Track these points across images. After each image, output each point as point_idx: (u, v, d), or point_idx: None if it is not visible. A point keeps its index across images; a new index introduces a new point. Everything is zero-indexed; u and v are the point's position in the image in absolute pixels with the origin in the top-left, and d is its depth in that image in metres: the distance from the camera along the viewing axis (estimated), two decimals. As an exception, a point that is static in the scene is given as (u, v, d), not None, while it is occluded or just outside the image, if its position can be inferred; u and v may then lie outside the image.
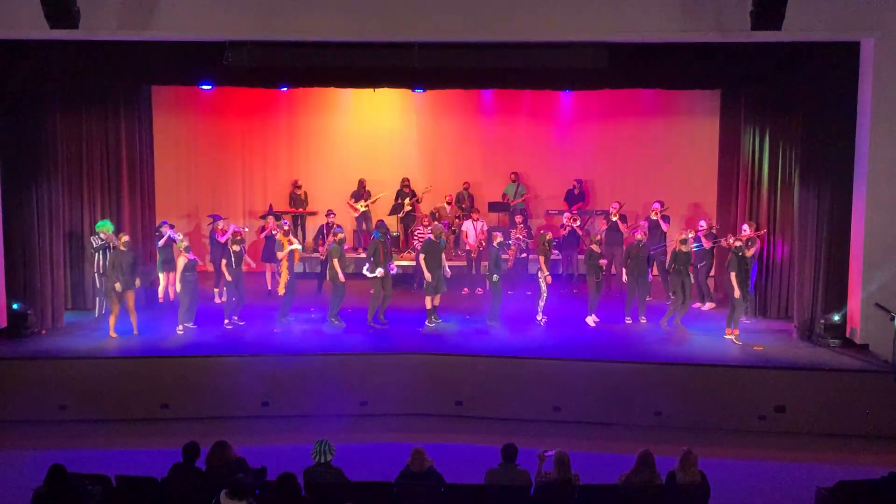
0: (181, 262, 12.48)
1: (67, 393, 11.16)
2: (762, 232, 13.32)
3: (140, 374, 11.41)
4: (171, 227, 13.75)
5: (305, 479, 7.56)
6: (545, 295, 12.91)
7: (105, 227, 13.10)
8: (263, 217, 15.18)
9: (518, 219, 15.23)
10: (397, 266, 13.54)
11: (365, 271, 12.88)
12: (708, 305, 14.15)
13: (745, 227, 13.14)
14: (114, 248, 12.51)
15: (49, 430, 10.78)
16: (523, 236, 14.61)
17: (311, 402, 11.19)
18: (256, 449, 9.08)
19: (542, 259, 12.94)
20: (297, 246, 13.15)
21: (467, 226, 15.33)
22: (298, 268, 13.61)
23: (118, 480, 7.68)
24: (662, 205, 14.54)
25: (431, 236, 13.10)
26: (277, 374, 11.37)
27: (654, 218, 14.40)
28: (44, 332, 12.54)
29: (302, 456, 7.91)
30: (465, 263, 15.38)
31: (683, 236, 12.95)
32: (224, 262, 12.81)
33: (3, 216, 12.40)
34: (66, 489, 6.98)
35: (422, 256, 12.95)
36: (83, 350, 11.81)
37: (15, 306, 12.33)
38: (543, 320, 12.96)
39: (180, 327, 12.54)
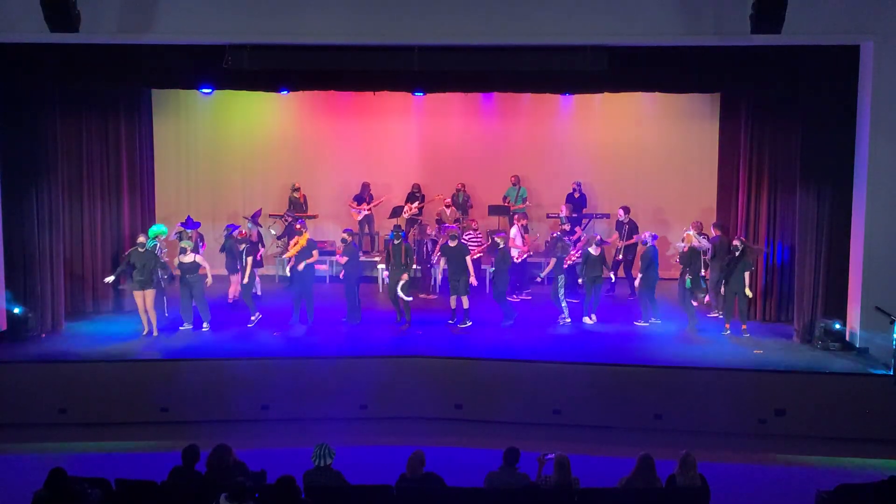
0: (175, 262, 12.61)
1: (67, 396, 11.17)
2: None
3: (140, 377, 11.41)
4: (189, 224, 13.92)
5: (305, 482, 7.56)
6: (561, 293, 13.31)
7: (160, 232, 13.18)
8: (246, 218, 14.93)
9: (564, 224, 14.82)
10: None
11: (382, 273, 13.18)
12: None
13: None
14: (131, 250, 12.50)
15: (49, 434, 10.78)
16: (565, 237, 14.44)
17: (312, 405, 11.19)
18: (256, 452, 9.09)
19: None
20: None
21: (514, 232, 14.80)
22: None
23: (118, 484, 7.69)
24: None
25: (450, 242, 13.07)
26: (277, 378, 11.36)
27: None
28: (44, 335, 12.53)
29: (302, 459, 7.91)
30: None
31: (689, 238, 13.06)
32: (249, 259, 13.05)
33: (3, 219, 12.39)
34: (66, 492, 6.99)
35: (443, 260, 12.98)
36: (83, 353, 11.80)
37: (17, 310, 12.30)
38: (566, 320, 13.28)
39: (185, 325, 12.75)
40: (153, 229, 13.36)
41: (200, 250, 13.60)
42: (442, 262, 13.03)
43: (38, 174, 12.56)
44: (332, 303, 13.68)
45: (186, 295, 12.63)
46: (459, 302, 13.02)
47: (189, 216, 14.42)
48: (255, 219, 14.91)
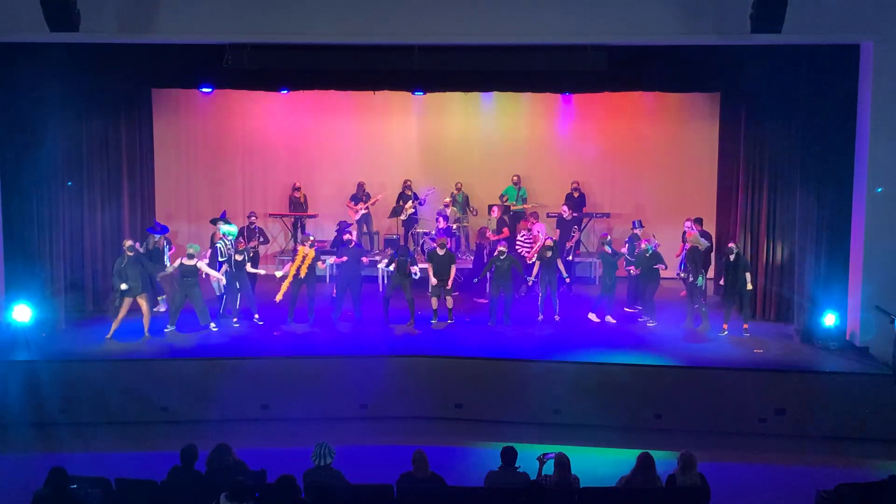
0: (176, 264, 12.50)
1: (67, 396, 11.16)
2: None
3: (140, 377, 11.39)
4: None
5: (305, 481, 7.56)
6: (542, 295, 13.41)
7: (230, 233, 13.31)
8: (213, 222, 14.47)
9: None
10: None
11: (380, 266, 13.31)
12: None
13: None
14: (121, 259, 12.34)
15: (49, 433, 10.77)
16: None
17: (312, 404, 11.19)
18: (256, 451, 9.08)
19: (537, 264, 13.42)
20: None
21: (537, 231, 14.75)
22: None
23: (118, 483, 7.69)
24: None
25: (438, 249, 13.14)
26: (277, 377, 11.36)
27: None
28: (44, 335, 12.51)
29: (302, 459, 7.91)
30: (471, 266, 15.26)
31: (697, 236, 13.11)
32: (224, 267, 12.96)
33: (3, 219, 12.39)
34: (66, 492, 6.99)
35: (429, 266, 13.07)
36: (83, 353, 11.80)
37: (27, 307, 12.23)
38: (540, 318, 13.37)
39: (170, 327, 12.63)
40: (223, 229, 13.38)
41: (169, 253, 13.61)
42: (429, 268, 13.08)
43: (39, 173, 12.55)
44: (333, 302, 13.66)
45: (181, 297, 12.58)
46: (443, 301, 13.12)
47: (157, 221, 14.36)
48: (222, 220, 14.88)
